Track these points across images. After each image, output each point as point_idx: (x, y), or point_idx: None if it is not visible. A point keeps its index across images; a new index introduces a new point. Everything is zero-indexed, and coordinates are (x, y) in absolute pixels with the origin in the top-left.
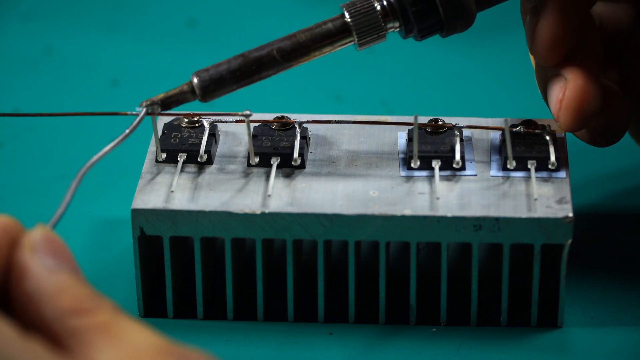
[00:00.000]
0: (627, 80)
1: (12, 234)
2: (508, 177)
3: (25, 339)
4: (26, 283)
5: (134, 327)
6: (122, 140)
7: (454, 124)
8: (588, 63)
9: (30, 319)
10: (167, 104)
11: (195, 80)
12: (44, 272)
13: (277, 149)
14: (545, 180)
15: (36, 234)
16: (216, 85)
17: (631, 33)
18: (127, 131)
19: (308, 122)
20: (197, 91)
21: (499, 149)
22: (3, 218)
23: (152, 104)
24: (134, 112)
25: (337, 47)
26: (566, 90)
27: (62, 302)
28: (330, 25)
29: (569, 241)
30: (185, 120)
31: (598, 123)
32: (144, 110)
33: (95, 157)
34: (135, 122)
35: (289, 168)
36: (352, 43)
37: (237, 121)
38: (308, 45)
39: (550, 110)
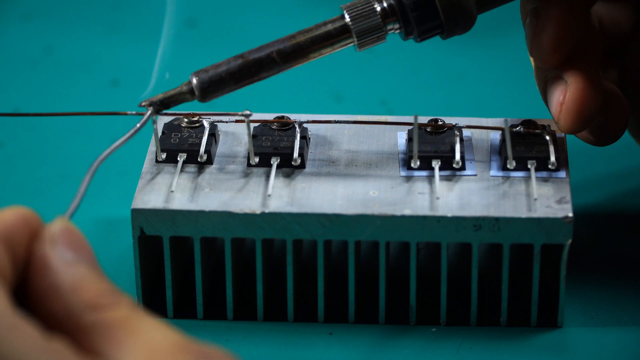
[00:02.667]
0: (626, 80)
1: (32, 226)
2: (508, 177)
3: (48, 339)
4: (46, 276)
5: (153, 323)
6: (133, 134)
7: (454, 124)
8: (588, 65)
9: (49, 313)
10: (166, 104)
11: (194, 80)
12: (63, 265)
13: (277, 149)
14: (545, 180)
15: (56, 227)
16: (215, 86)
17: (631, 33)
18: (138, 125)
19: (308, 122)
20: (196, 92)
21: (499, 149)
22: (23, 210)
23: (151, 104)
24: (134, 112)
25: (337, 48)
26: (567, 94)
27: (81, 296)
28: (330, 26)
29: (569, 241)
30: (185, 120)
31: (597, 123)
32: (151, 109)
33: (108, 151)
34: (145, 117)
35: (289, 168)
36: (352, 44)
37: (237, 121)
38: (307, 47)
39: (550, 112)
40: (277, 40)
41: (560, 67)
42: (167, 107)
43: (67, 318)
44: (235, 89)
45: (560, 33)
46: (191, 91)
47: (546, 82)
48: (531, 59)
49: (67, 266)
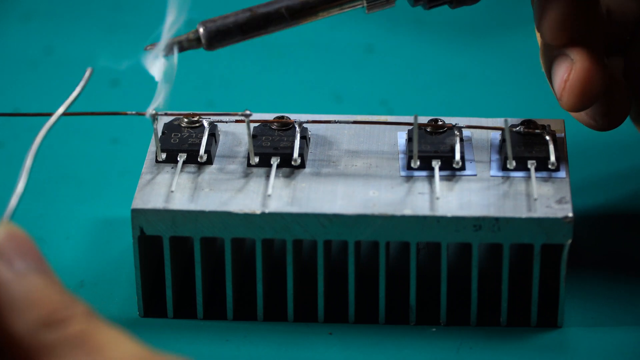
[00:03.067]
0: (631, 70)
1: None
2: (508, 177)
3: None
4: None
5: (111, 335)
6: (73, 100)
7: (454, 124)
8: (594, 46)
9: (5, 334)
10: (170, 47)
11: (201, 29)
12: (13, 277)
13: (277, 149)
14: (545, 180)
15: (0, 234)
16: (222, 35)
17: (636, 23)
18: (78, 88)
19: (308, 122)
20: (203, 40)
21: (499, 149)
22: None
23: (158, 47)
24: (134, 112)
25: (345, 8)
26: (572, 71)
27: (33, 313)
28: None
29: (569, 241)
30: (185, 120)
31: (599, 109)
32: (89, 70)
33: (47, 124)
34: (85, 77)
35: (289, 168)
36: (361, 6)
37: (237, 121)
38: (316, 5)
39: (553, 89)
40: None
41: (567, 46)
42: (171, 52)
43: (20, 339)
44: (242, 40)
45: (569, 11)
46: (198, 39)
47: (552, 61)
48: (538, 38)
49: (17, 278)
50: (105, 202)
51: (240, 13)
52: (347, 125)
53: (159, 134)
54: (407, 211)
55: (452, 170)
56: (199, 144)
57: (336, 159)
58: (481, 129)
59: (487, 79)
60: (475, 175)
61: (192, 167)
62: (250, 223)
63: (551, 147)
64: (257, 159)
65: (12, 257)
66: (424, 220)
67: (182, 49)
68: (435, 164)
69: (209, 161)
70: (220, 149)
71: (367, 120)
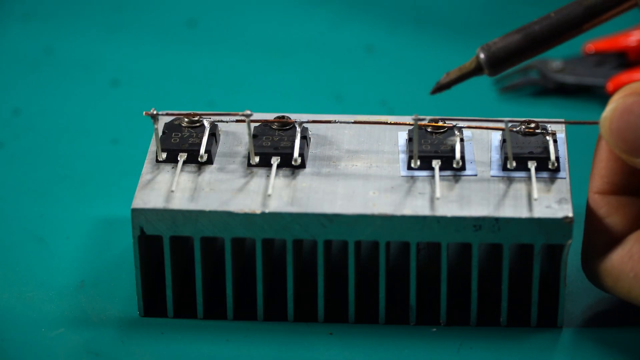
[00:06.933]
0: None
1: None
2: (508, 177)
3: None
4: None
5: None
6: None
7: (454, 124)
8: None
9: None
10: (454, 80)
11: (482, 55)
12: None
13: (277, 149)
14: (545, 180)
15: None
16: (505, 59)
17: None
18: None
19: (308, 122)
20: (485, 66)
21: (499, 149)
22: None
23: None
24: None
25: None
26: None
27: None
28: None
29: (569, 241)
30: (186, 120)
31: None
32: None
33: None
34: None
35: (289, 168)
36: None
37: (237, 121)
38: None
39: None
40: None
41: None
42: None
43: None
44: (524, 60)
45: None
46: (479, 67)
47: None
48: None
49: None
50: (105, 202)
51: (517, 33)
52: (347, 125)
53: (160, 133)
54: (407, 211)
55: (452, 170)
56: (200, 144)
57: (336, 159)
58: (481, 129)
59: (487, 79)
60: (476, 175)
61: (192, 167)
62: (250, 223)
63: (551, 147)
64: (257, 159)
65: None
66: (424, 220)
67: (462, 78)
68: (436, 164)
69: (210, 161)
70: (221, 148)
71: (367, 120)
